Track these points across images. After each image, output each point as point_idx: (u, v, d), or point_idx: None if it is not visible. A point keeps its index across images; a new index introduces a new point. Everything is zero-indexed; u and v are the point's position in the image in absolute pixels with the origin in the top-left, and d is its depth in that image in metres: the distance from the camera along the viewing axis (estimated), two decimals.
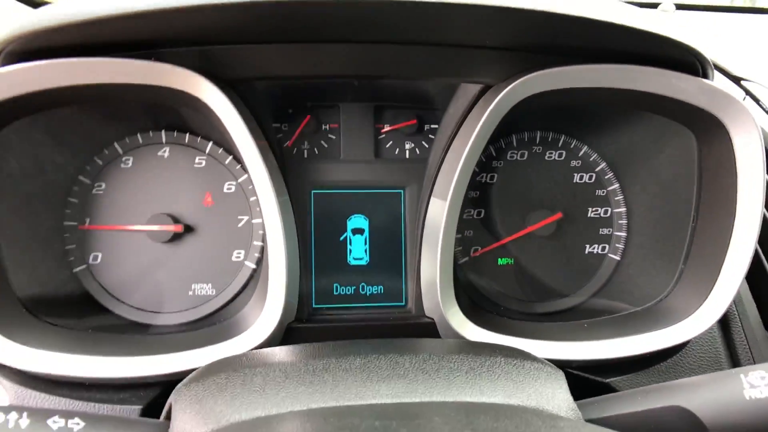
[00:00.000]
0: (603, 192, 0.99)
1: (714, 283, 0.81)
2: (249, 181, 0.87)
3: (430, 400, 0.57)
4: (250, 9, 0.64)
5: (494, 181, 0.98)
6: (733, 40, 1.26)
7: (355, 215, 0.95)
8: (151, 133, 0.92)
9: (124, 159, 0.92)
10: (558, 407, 0.59)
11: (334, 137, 0.96)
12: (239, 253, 0.93)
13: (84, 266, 0.90)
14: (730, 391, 0.58)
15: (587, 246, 0.99)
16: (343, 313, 0.93)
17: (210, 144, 0.93)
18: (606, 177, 0.99)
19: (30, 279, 0.81)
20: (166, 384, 0.77)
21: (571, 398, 0.61)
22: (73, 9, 0.62)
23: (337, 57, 0.79)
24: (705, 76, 0.76)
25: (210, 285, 0.93)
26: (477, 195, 0.98)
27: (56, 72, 0.67)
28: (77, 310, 0.86)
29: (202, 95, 0.74)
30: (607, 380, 0.84)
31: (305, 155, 0.96)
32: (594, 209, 0.99)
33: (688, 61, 0.75)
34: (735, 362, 0.90)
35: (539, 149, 0.99)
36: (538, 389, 0.61)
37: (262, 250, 0.92)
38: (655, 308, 0.88)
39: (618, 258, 0.99)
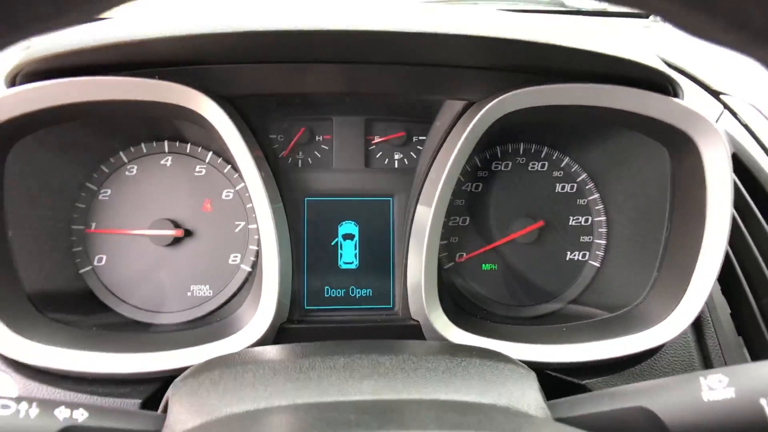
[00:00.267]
0: (584, 201, 1.04)
1: (685, 290, 0.85)
2: (245, 188, 0.92)
3: (407, 397, 0.62)
4: (248, 36, 0.69)
5: (479, 190, 1.03)
6: (717, 53, 1.30)
7: (346, 221, 0.99)
8: (154, 144, 0.97)
9: (128, 167, 0.97)
10: (528, 405, 0.63)
11: (327, 148, 1.01)
12: (236, 256, 0.98)
13: (89, 267, 0.95)
14: (689, 393, 0.60)
15: (568, 253, 1.04)
16: (333, 314, 0.98)
17: (209, 154, 0.98)
18: (587, 187, 1.04)
19: (39, 279, 0.86)
20: (165, 379, 0.82)
21: (541, 398, 0.65)
22: (86, 35, 0.67)
23: (327, 76, 0.84)
24: (675, 95, 0.81)
25: (208, 286, 0.98)
26: (462, 203, 1.03)
27: (69, 90, 0.72)
28: (82, 309, 0.91)
29: (202, 110, 0.80)
30: (584, 382, 0.88)
31: (299, 165, 1.01)
32: (575, 218, 1.04)
33: (658, 82, 0.79)
34: (708, 366, 0.93)
35: (523, 160, 1.03)
36: (510, 388, 0.65)
37: (257, 254, 0.97)
38: (630, 313, 0.93)
39: (598, 265, 1.03)
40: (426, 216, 0.88)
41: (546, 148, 1.03)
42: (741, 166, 1.00)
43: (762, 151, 1.01)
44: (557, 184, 1.04)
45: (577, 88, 0.80)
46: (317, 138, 1.01)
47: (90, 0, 0.25)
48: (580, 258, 1.04)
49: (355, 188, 1.00)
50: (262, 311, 0.87)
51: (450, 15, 0.79)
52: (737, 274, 0.95)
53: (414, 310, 0.93)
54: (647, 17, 1.45)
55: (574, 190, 1.04)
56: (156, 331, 0.94)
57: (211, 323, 0.95)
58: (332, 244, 0.99)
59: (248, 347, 0.83)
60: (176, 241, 0.96)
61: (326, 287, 0.99)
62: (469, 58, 0.83)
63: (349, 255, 1.00)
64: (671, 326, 0.85)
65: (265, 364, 0.66)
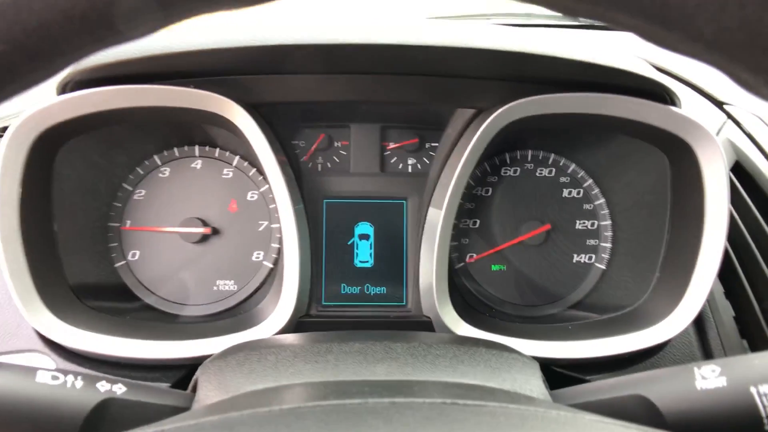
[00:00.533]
0: (590, 206, 1.08)
1: (686, 290, 0.89)
2: (269, 190, 0.98)
3: (416, 379, 0.67)
4: (275, 49, 0.76)
5: (489, 194, 1.08)
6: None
7: (362, 222, 1.05)
8: (186, 148, 1.04)
9: (162, 169, 1.04)
10: (531, 391, 0.68)
11: (345, 153, 1.07)
12: (259, 253, 1.04)
13: (123, 262, 1.02)
14: (684, 382, 0.63)
15: (575, 255, 1.08)
16: (349, 310, 1.03)
17: (237, 158, 1.05)
18: (593, 192, 1.08)
19: (79, 271, 0.94)
20: (191, 366, 0.87)
21: (543, 386, 0.70)
22: (128, 47, 0.75)
23: (347, 86, 0.91)
24: (673, 103, 0.85)
25: (232, 281, 1.04)
26: (473, 206, 1.08)
27: (113, 96, 0.80)
28: (117, 300, 0.98)
29: (233, 117, 0.87)
30: (588, 378, 0.92)
31: (319, 169, 1.07)
32: (581, 222, 1.08)
33: (655, 91, 0.84)
34: None
35: (531, 166, 1.08)
36: (514, 375, 0.70)
37: (279, 252, 1.03)
38: (633, 312, 0.97)
39: (603, 267, 1.07)
40: (437, 218, 0.93)
41: (553, 154, 1.08)
42: (744, 174, 1.04)
43: (765, 160, 1.05)
44: (564, 190, 1.08)
45: (578, 97, 0.85)
46: (336, 144, 1.07)
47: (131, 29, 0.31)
48: (586, 260, 1.08)
49: (370, 191, 1.05)
50: (282, 305, 0.93)
51: (460, 30, 0.85)
52: (740, 277, 0.98)
53: (426, 307, 0.98)
54: None
55: (581, 195, 1.08)
56: (183, 322, 1.01)
57: (234, 316, 1.01)
58: (349, 243, 1.05)
59: None
60: (204, 238, 1.02)
61: (343, 284, 1.05)
62: (478, 70, 0.89)
63: (364, 254, 1.05)
64: (673, 324, 0.88)
65: (286, 348, 0.71)
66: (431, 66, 0.89)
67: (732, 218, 0.98)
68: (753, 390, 0.59)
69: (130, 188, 1.03)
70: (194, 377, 0.72)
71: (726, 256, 0.97)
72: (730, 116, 1.12)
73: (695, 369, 0.64)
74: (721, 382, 0.61)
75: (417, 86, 0.93)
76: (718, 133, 1.06)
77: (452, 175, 0.91)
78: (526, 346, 0.88)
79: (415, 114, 1.04)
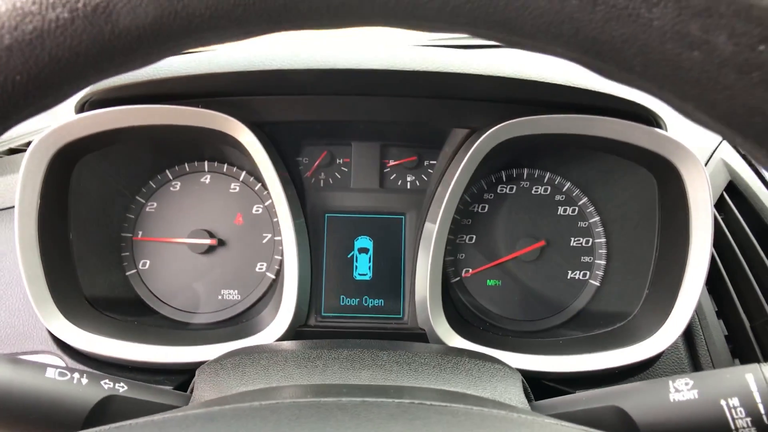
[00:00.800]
0: (585, 224, 1.11)
1: (673, 306, 0.91)
2: (273, 204, 1.03)
3: (399, 384, 0.70)
4: (278, 73, 0.82)
5: (485, 211, 1.11)
6: None
7: (362, 236, 1.09)
8: (196, 163, 1.10)
9: (173, 183, 1.10)
10: (509, 400, 0.71)
11: (346, 170, 1.12)
12: (262, 265, 1.09)
13: (134, 271, 1.08)
14: (658, 394, 0.66)
15: (569, 272, 1.10)
16: (347, 321, 1.07)
17: (243, 173, 1.10)
18: (588, 210, 1.10)
19: (92, 278, 0.99)
20: (193, 371, 0.92)
21: (523, 396, 0.72)
22: (143, 70, 0.81)
23: (348, 106, 0.96)
24: (658, 125, 0.88)
25: (236, 291, 1.08)
26: (470, 222, 1.11)
27: (127, 115, 0.86)
28: (126, 306, 1.03)
29: (237, 135, 0.92)
30: (577, 392, 0.93)
31: (322, 184, 1.12)
32: (576, 239, 1.10)
33: (643, 114, 0.87)
34: None
35: (527, 184, 1.11)
36: (495, 384, 0.73)
37: (281, 264, 1.07)
38: (623, 328, 0.98)
39: (598, 284, 1.09)
40: (431, 233, 0.97)
41: (548, 173, 1.11)
42: (738, 194, 1.05)
43: (758, 180, 1.06)
44: (559, 207, 1.11)
45: (567, 119, 0.88)
46: (338, 161, 1.12)
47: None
48: (580, 277, 1.10)
49: (370, 206, 1.09)
50: (281, 314, 0.97)
51: (455, 55, 0.90)
52: (732, 297, 0.99)
53: (421, 320, 1.01)
54: None
55: (576, 213, 1.11)
56: (188, 329, 1.05)
57: (237, 324, 1.06)
58: (348, 256, 1.09)
59: None
60: (210, 249, 1.07)
61: (342, 296, 1.08)
62: (472, 92, 0.93)
63: (363, 267, 1.09)
64: (661, 339, 0.90)
65: (278, 353, 0.75)
66: (427, 89, 0.94)
67: (724, 237, 1.00)
68: (723, 402, 0.61)
69: (143, 201, 1.09)
70: (193, 381, 0.76)
71: (718, 275, 0.99)
72: None
73: (670, 382, 0.66)
74: (693, 394, 0.63)
75: (414, 107, 0.98)
76: (712, 154, 1.08)
77: (446, 192, 0.95)
78: (517, 360, 0.91)
79: (414, 133, 1.08)
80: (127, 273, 1.07)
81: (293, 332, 0.98)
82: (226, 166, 1.10)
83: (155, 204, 1.09)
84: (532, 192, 1.11)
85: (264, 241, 1.09)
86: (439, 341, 0.96)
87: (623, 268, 1.05)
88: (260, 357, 0.75)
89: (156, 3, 0.29)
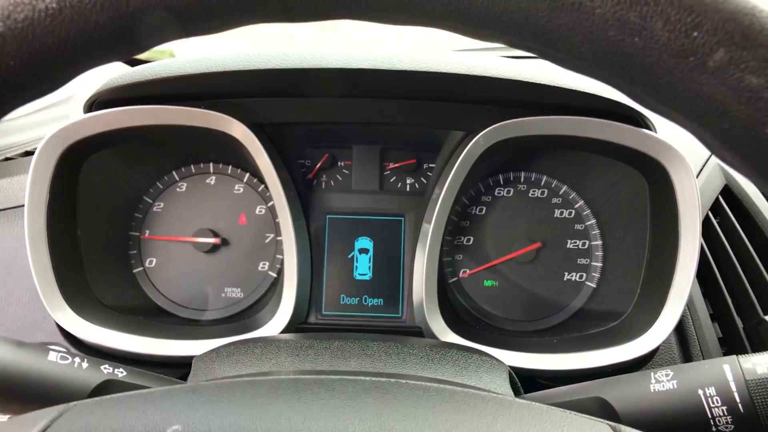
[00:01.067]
0: (581, 226, 1.12)
1: (664, 305, 0.91)
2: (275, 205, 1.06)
3: (381, 371, 0.72)
4: (279, 73, 0.85)
5: (483, 213, 1.13)
6: None
7: (362, 237, 1.12)
8: (201, 165, 1.14)
9: (179, 184, 1.14)
10: (493, 390, 0.72)
11: (347, 172, 1.15)
12: (264, 264, 1.12)
13: (141, 268, 1.12)
14: (640, 385, 0.68)
15: (566, 273, 1.11)
16: (346, 319, 1.09)
17: (247, 175, 1.14)
18: (584, 213, 1.12)
19: (100, 274, 1.03)
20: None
21: (509, 388, 0.74)
22: (146, 71, 0.86)
23: (346, 108, 0.99)
24: (647, 127, 0.90)
25: (239, 289, 1.11)
26: (467, 224, 1.13)
27: (132, 115, 0.90)
28: (132, 301, 1.07)
29: (238, 135, 0.96)
30: None
31: (323, 186, 1.15)
32: (573, 241, 1.12)
33: (632, 115, 0.89)
34: None
35: (523, 187, 1.13)
36: (480, 375, 0.74)
37: (283, 263, 1.10)
38: (617, 327, 0.99)
39: (594, 286, 1.10)
40: (428, 233, 0.99)
41: (545, 176, 1.13)
42: (733, 196, 1.06)
43: (753, 184, 1.06)
44: (556, 210, 1.12)
45: (558, 120, 0.90)
46: (339, 163, 1.15)
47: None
48: (577, 279, 1.11)
49: (370, 208, 1.12)
50: (281, 312, 1.00)
51: (451, 58, 0.92)
52: (726, 299, 1.00)
53: (417, 318, 1.03)
54: None
55: (572, 215, 1.12)
56: (191, 325, 1.09)
57: (239, 321, 1.09)
58: (349, 257, 1.12)
59: None
60: (214, 248, 1.10)
61: (342, 295, 1.11)
62: (467, 94, 0.96)
63: (363, 267, 1.12)
64: (653, 337, 0.91)
65: (272, 343, 0.78)
66: (425, 91, 0.96)
67: (719, 241, 1.01)
68: (700, 392, 0.62)
69: (150, 201, 1.13)
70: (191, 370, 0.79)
71: (712, 278, 0.99)
72: None
73: (651, 374, 0.68)
74: (672, 384, 0.65)
75: (412, 110, 1.00)
76: (708, 158, 1.09)
77: (441, 193, 0.97)
78: (512, 358, 0.92)
79: (413, 136, 1.11)
80: (134, 270, 1.11)
81: (293, 329, 1.00)
82: (230, 167, 1.14)
83: (162, 204, 1.13)
84: (529, 195, 1.13)
85: (266, 241, 1.12)
86: (434, 338, 0.98)
87: (618, 269, 1.06)
88: (254, 346, 0.77)
89: None
